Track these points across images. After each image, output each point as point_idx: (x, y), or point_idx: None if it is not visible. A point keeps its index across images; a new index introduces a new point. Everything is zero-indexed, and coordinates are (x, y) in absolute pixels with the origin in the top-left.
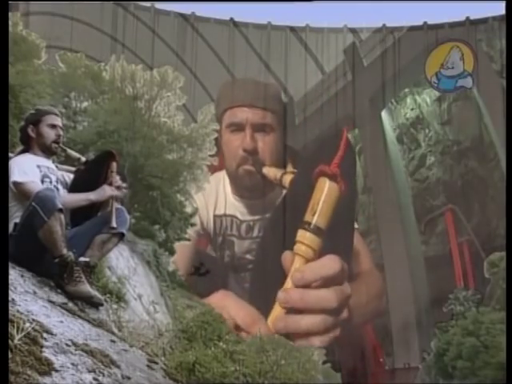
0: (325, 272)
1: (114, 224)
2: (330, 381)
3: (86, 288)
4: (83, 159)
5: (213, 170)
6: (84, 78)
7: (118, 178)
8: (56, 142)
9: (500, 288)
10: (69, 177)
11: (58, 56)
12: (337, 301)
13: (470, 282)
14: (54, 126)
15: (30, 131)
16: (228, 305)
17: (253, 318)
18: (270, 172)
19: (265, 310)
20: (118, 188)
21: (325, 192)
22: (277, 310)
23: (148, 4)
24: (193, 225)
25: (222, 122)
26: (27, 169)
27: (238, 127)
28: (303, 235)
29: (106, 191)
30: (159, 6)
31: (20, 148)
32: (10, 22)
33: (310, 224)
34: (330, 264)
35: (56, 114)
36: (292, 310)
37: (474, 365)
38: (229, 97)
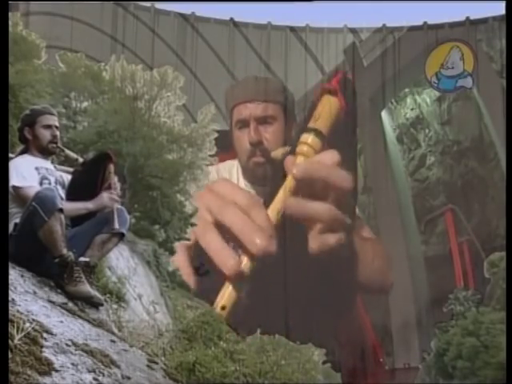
0: (326, 159)
1: (116, 225)
2: (330, 381)
3: (86, 288)
4: (80, 160)
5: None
6: (84, 77)
7: (115, 179)
8: (53, 142)
9: (500, 288)
10: (67, 178)
11: (58, 56)
12: (350, 181)
13: (470, 281)
14: (49, 127)
15: (27, 133)
16: (230, 188)
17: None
18: (278, 152)
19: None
20: (116, 190)
21: (326, 104)
22: (280, 194)
23: (148, 4)
24: (193, 225)
25: (231, 120)
26: (25, 172)
27: (243, 124)
28: (306, 137)
29: (103, 200)
30: (159, 5)
31: (20, 147)
32: (10, 22)
33: (312, 128)
34: (331, 154)
35: (51, 113)
36: (300, 193)
37: (474, 365)
38: (233, 96)
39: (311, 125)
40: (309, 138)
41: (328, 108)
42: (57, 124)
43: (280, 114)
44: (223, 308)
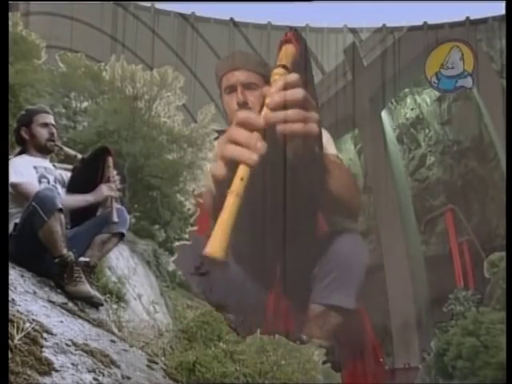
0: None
1: (115, 218)
2: (330, 381)
3: (86, 288)
4: (79, 156)
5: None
6: (84, 77)
7: (114, 172)
8: (50, 139)
9: (500, 288)
10: (67, 175)
11: (58, 56)
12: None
13: (470, 281)
14: (45, 125)
15: (24, 133)
16: None
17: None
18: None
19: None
20: (115, 182)
21: (285, 50)
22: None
23: (148, 4)
24: (193, 225)
25: (221, 89)
26: (23, 170)
27: (231, 89)
28: (276, 70)
29: (103, 191)
30: (159, 5)
31: (18, 149)
32: (10, 22)
33: (279, 64)
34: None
35: (47, 112)
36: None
37: (473, 365)
38: (222, 67)
39: (278, 63)
40: (278, 70)
41: (287, 51)
42: (53, 122)
43: (262, 83)
44: (242, 179)
